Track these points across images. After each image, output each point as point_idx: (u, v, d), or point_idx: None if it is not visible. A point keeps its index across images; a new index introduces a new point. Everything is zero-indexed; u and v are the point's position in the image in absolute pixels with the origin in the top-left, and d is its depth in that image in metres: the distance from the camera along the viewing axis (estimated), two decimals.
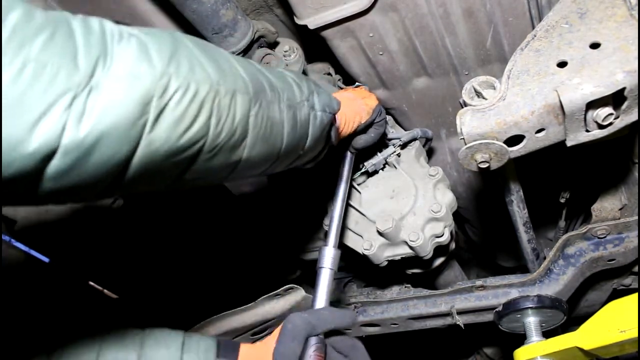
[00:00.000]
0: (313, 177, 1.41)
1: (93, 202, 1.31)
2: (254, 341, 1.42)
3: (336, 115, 0.99)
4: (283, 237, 1.68)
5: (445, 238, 1.24)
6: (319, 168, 1.07)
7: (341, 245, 1.35)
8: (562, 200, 1.57)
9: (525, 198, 1.17)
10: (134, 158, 0.55)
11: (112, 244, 1.63)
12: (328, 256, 1.01)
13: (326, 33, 1.23)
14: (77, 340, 0.84)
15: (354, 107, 1.06)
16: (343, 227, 1.32)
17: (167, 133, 0.57)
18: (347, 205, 1.33)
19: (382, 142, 1.32)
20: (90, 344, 0.83)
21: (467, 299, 1.41)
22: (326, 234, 1.07)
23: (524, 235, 1.28)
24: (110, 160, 0.52)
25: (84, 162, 0.50)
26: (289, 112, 0.79)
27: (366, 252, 1.24)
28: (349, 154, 1.19)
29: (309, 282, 1.89)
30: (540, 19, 1.14)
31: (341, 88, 1.54)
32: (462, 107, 0.89)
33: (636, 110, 0.81)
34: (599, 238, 1.28)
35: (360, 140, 1.15)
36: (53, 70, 0.46)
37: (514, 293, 1.35)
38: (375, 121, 1.13)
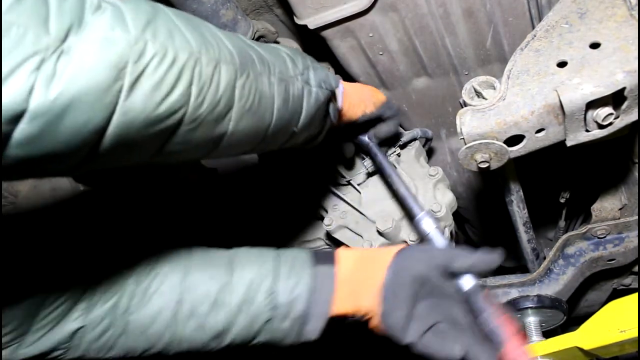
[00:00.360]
0: (309, 168, 1.41)
1: (66, 175, 1.25)
2: None
3: (339, 96, 0.96)
4: (283, 237, 1.68)
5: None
6: (316, 159, 1.05)
7: (341, 245, 1.35)
8: (562, 200, 1.57)
9: (525, 198, 1.17)
10: (109, 126, 0.53)
11: (111, 243, 1.63)
12: (427, 222, 0.97)
13: (326, 33, 1.23)
14: (163, 257, 0.83)
15: (360, 94, 1.03)
16: (343, 227, 1.32)
17: (143, 100, 0.55)
18: (347, 205, 1.33)
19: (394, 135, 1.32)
20: (175, 263, 0.83)
21: None
22: (407, 211, 1.04)
23: (524, 235, 1.28)
24: (83, 127, 0.50)
25: (54, 128, 0.48)
26: (280, 85, 0.76)
27: None
28: (371, 142, 1.18)
29: None
30: (540, 19, 1.14)
31: None
32: (462, 107, 0.89)
33: (636, 110, 0.81)
34: (599, 238, 1.28)
35: (382, 132, 1.15)
36: (19, 31, 0.44)
37: (514, 293, 1.35)
38: (385, 116, 1.12)
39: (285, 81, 0.77)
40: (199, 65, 0.60)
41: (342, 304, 0.85)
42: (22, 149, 0.48)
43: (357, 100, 1.02)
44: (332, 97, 0.92)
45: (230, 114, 0.67)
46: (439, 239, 0.95)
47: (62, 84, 0.47)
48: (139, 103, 0.54)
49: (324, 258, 0.88)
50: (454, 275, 0.80)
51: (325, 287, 0.84)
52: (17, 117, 0.45)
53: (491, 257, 0.80)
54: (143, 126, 0.57)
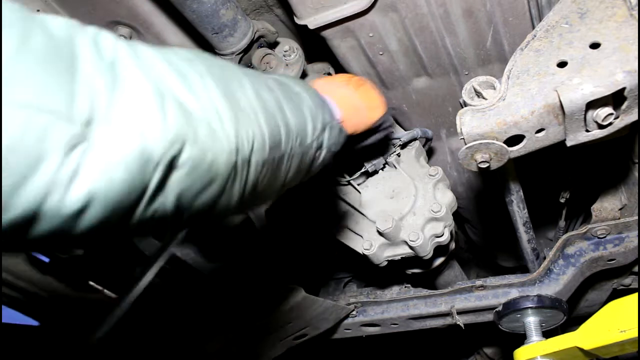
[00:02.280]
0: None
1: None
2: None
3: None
4: (283, 237, 1.68)
5: (445, 238, 1.24)
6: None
7: (341, 245, 1.35)
8: (562, 200, 1.57)
9: (525, 198, 1.17)
10: (132, 219, 0.47)
11: (113, 243, 1.63)
12: None
13: (326, 33, 1.23)
14: None
15: (354, 120, 1.00)
16: (343, 227, 1.32)
17: (166, 202, 0.49)
18: (347, 205, 1.33)
19: (382, 142, 1.32)
20: None
21: (467, 299, 1.41)
22: None
23: (524, 235, 1.28)
24: (99, 229, 0.44)
25: (71, 228, 0.42)
26: (296, 160, 0.73)
27: (366, 252, 1.24)
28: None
29: (309, 281, 1.89)
30: (540, 19, 1.14)
31: None
32: (462, 107, 0.89)
33: (636, 110, 0.81)
34: (599, 238, 1.28)
35: (360, 145, 1.12)
36: (45, 120, 0.37)
37: (514, 293, 1.35)
38: (377, 128, 1.09)
39: (302, 152, 0.74)
40: (233, 169, 0.55)
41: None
42: (38, 241, 0.42)
43: (350, 129, 0.96)
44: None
45: (246, 198, 0.63)
46: None
47: (81, 188, 0.40)
48: (166, 202, 0.48)
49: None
50: None
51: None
52: (31, 219, 0.39)
53: None
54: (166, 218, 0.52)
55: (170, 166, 0.47)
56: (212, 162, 0.51)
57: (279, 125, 0.66)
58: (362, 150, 1.16)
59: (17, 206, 0.37)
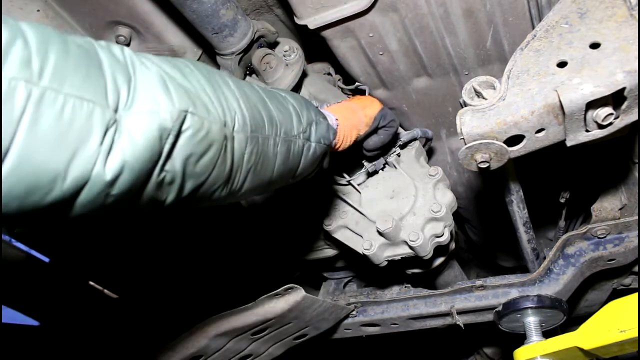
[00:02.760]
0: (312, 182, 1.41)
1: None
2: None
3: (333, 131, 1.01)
4: (283, 237, 1.68)
5: (445, 238, 1.24)
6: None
7: (341, 245, 1.35)
8: (562, 200, 1.57)
9: (525, 198, 1.17)
10: (145, 189, 0.58)
11: (112, 244, 1.63)
12: None
13: (326, 33, 1.23)
14: None
15: (353, 121, 1.07)
16: (343, 227, 1.32)
17: (176, 164, 0.60)
18: (348, 205, 1.33)
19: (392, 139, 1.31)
20: None
21: (467, 299, 1.41)
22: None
23: (524, 235, 1.28)
24: (127, 192, 0.55)
25: (106, 195, 0.53)
26: (283, 145, 0.83)
27: (366, 252, 1.24)
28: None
29: (309, 282, 1.89)
30: (540, 19, 1.14)
31: (342, 88, 1.54)
32: (462, 107, 0.89)
33: (636, 110, 0.81)
34: (599, 238, 1.28)
35: (371, 142, 1.17)
36: (90, 107, 0.49)
37: (514, 293, 1.35)
38: (380, 126, 1.14)
39: (289, 141, 0.84)
40: (224, 138, 0.66)
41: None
42: (81, 210, 0.52)
43: (349, 128, 1.06)
44: (328, 149, 0.99)
45: (239, 175, 0.73)
46: None
47: (116, 158, 0.52)
48: (174, 165, 0.60)
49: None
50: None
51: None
52: (80, 189, 0.50)
53: None
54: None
55: (178, 133, 0.59)
56: (208, 130, 0.63)
57: (261, 113, 0.78)
58: (374, 150, 1.20)
59: (73, 172, 0.48)
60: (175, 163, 0.60)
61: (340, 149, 1.07)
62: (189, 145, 0.60)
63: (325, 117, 0.98)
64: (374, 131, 1.14)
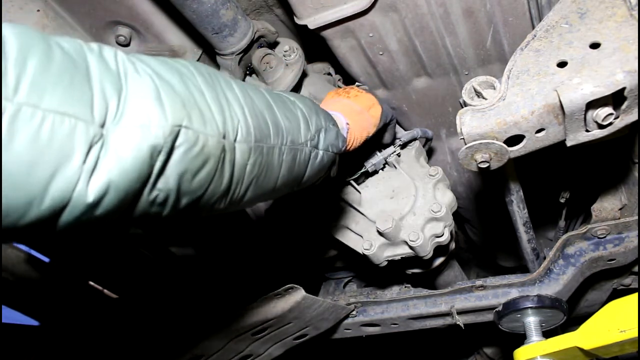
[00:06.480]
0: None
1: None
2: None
3: (344, 134, 0.99)
4: (283, 237, 1.68)
5: (445, 238, 1.24)
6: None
7: (341, 245, 1.35)
8: (562, 200, 1.57)
9: (525, 198, 1.17)
10: (135, 210, 0.55)
11: (112, 244, 1.63)
12: None
13: (326, 33, 1.23)
14: None
15: (362, 123, 1.06)
16: (343, 227, 1.32)
17: (169, 181, 0.56)
18: (348, 205, 1.33)
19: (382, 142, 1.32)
20: None
21: (467, 299, 1.41)
22: None
23: (524, 235, 1.28)
24: (114, 212, 0.51)
25: (89, 216, 0.49)
26: (289, 155, 0.79)
27: (366, 252, 1.24)
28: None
29: (309, 282, 1.89)
30: (540, 19, 1.14)
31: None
32: (462, 107, 0.89)
33: (636, 110, 0.81)
34: (599, 238, 1.28)
35: (387, 137, 1.23)
36: (72, 123, 0.45)
37: (514, 293, 1.35)
38: (385, 123, 1.15)
39: (295, 149, 0.80)
40: (222, 151, 0.62)
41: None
42: (64, 228, 0.49)
43: (359, 131, 1.05)
44: (336, 158, 0.96)
45: (240, 186, 0.70)
46: None
47: (100, 179, 0.48)
48: (168, 183, 0.56)
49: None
50: None
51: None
52: (62, 208, 0.46)
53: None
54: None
55: (171, 149, 0.54)
56: (205, 144, 0.58)
57: (266, 120, 0.73)
58: (382, 148, 1.25)
59: (52, 194, 0.44)
60: (169, 181, 0.56)
61: (351, 149, 1.05)
62: (183, 161, 0.56)
63: (335, 123, 0.94)
64: (382, 129, 1.15)
